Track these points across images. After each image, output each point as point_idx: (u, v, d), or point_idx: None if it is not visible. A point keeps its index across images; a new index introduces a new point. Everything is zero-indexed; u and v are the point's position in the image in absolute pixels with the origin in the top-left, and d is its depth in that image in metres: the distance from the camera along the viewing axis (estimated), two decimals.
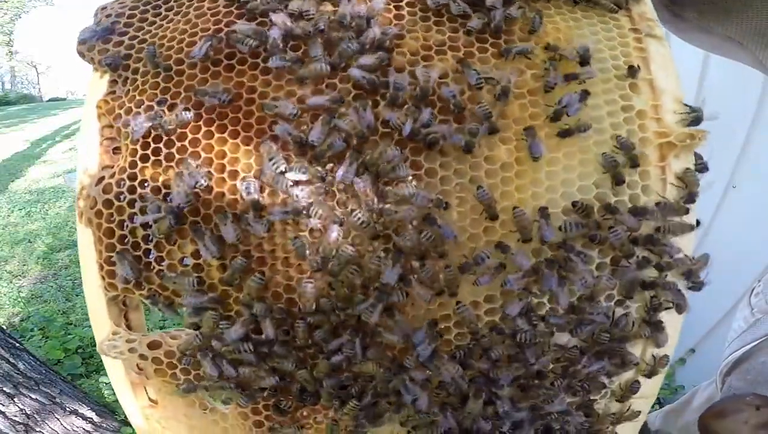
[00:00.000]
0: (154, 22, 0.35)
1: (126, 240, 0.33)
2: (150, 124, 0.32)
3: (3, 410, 1.02)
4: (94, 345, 1.72)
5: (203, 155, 0.32)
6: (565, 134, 0.31)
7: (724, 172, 1.36)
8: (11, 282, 2.64)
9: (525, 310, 0.32)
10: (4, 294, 2.46)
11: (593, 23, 0.34)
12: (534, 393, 0.34)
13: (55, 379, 1.21)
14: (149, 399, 0.39)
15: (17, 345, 1.17)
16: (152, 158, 0.33)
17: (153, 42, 0.33)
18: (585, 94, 0.31)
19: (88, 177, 0.33)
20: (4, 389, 1.04)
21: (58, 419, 1.13)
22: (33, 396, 1.09)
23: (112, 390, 1.52)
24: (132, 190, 0.32)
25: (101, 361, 1.70)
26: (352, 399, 0.33)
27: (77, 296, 2.40)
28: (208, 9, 0.35)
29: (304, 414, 0.37)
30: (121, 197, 0.32)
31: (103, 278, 0.34)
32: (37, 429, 1.07)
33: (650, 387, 0.37)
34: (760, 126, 1.29)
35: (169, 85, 0.33)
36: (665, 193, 0.34)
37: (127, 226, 0.33)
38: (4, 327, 1.87)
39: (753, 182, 1.35)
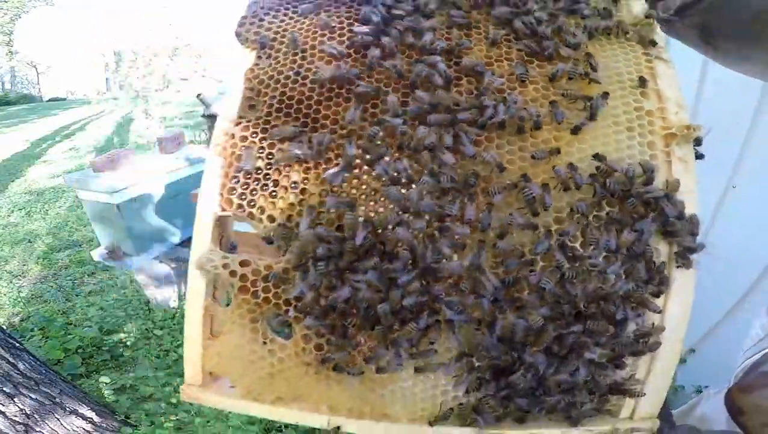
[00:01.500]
0: (293, 17, 0.48)
1: (249, 172, 0.42)
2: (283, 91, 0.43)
3: (3, 410, 1.02)
4: (94, 345, 1.72)
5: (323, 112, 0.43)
6: (591, 117, 0.42)
7: (724, 172, 1.36)
8: (11, 282, 2.64)
9: (561, 246, 0.39)
10: (4, 294, 2.46)
11: (614, 48, 0.46)
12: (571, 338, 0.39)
13: (55, 379, 1.21)
14: (211, 331, 0.44)
15: (17, 345, 1.17)
16: (283, 116, 0.43)
17: (293, 31, 0.46)
18: (606, 95, 0.42)
19: (228, 121, 0.43)
20: (4, 389, 1.04)
21: (58, 419, 1.13)
22: (33, 396, 1.09)
23: (113, 389, 1.52)
24: (264, 130, 0.42)
25: (101, 361, 1.71)
26: (411, 322, 0.38)
27: (77, 296, 2.40)
28: (335, 13, 0.47)
29: (360, 340, 0.41)
30: (253, 135, 0.42)
31: (221, 195, 0.41)
32: (37, 429, 1.07)
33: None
34: (760, 126, 1.29)
35: (303, 63, 0.45)
36: (670, 171, 0.43)
37: (254, 157, 0.42)
38: (4, 327, 1.88)
39: (753, 182, 1.35)
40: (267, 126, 0.43)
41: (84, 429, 1.18)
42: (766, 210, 1.29)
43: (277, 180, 0.41)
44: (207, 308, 0.42)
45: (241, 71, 0.45)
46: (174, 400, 1.45)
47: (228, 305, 0.43)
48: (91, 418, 1.22)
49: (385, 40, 0.44)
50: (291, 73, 0.44)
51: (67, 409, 1.17)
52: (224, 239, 0.47)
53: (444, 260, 0.38)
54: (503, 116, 0.41)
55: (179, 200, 2.02)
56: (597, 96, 0.42)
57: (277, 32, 0.46)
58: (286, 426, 1.43)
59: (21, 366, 1.11)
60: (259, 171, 0.42)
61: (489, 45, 0.45)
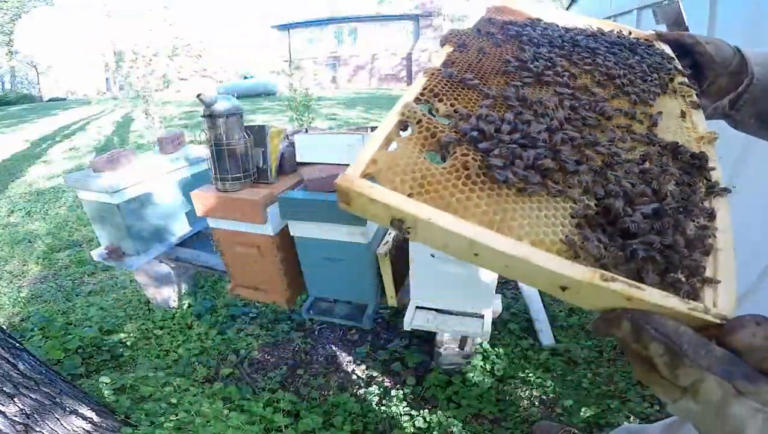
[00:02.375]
0: (483, 40, 0.66)
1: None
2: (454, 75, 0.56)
3: (3, 410, 1.02)
4: (94, 345, 1.73)
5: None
6: (653, 125, 0.57)
7: (724, 172, 1.36)
8: (11, 282, 2.64)
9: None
10: (4, 294, 2.46)
11: (665, 98, 0.64)
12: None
13: (55, 379, 1.21)
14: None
15: (17, 345, 1.16)
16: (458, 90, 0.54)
17: (481, 47, 0.64)
18: (660, 113, 0.59)
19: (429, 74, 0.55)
20: (4, 389, 1.04)
21: (58, 419, 1.13)
22: (33, 396, 1.09)
23: (112, 389, 1.52)
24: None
25: (101, 361, 1.71)
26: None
27: (77, 296, 2.40)
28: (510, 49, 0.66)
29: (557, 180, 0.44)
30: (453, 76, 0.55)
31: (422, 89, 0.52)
32: (37, 429, 1.07)
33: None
34: None
35: (482, 57, 0.62)
36: None
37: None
38: (4, 327, 1.87)
39: (753, 182, 1.35)
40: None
41: (84, 429, 1.18)
42: (767, 210, 1.29)
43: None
44: (389, 136, 0.45)
45: (441, 57, 0.61)
46: (174, 400, 1.45)
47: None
48: (91, 418, 1.22)
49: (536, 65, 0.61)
50: (474, 59, 0.60)
51: (67, 409, 1.17)
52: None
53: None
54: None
55: (179, 200, 2.02)
56: (656, 113, 0.58)
57: (472, 44, 0.64)
58: (286, 426, 1.43)
59: (21, 366, 1.11)
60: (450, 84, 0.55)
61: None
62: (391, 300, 1.54)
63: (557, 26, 0.75)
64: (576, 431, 1.37)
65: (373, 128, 1.77)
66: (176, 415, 1.35)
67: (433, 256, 1.30)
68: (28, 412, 1.06)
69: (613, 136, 0.50)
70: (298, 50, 25.23)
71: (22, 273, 2.76)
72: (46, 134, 8.62)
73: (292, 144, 1.64)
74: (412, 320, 1.41)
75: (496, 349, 1.78)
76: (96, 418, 1.23)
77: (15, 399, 1.04)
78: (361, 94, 17.20)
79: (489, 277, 1.31)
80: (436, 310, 1.45)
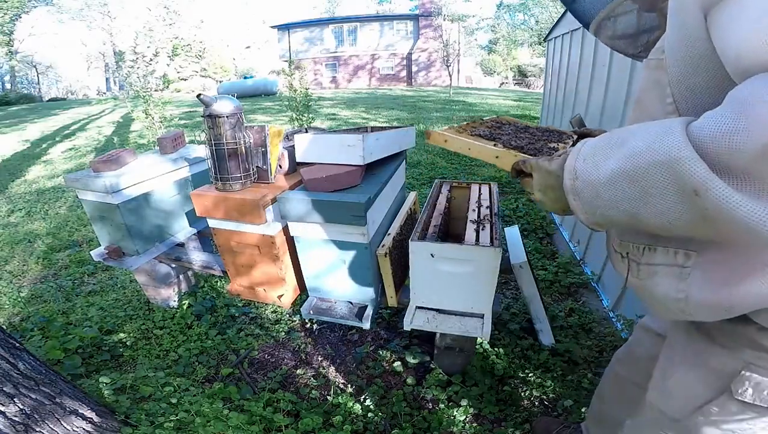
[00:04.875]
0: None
1: None
2: None
3: (3, 410, 1.02)
4: (94, 345, 1.72)
5: None
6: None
7: None
8: (11, 282, 2.64)
9: None
10: (4, 294, 2.46)
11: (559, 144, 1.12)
12: None
13: (55, 379, 1.21)
14: None
15: (17, 345, 1.16)
16: None
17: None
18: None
19: None
20: (4, 389, 1.04)
21: (58, 419, 1.13)
22: (33, 396, 1.09)
23: (112, 389, 1.51)
24: None
25: (101, 361, 1.70)
26: None
27: (77, 296, 2.40)
28: None
29: None
30: None
31: None
32: (37, 429, 1.07)
33: None
34: None
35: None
36: None
37: None
38: (4, 327, 1.87)
39: None
40: None
41: (84, 429, 1.18)
42: None
43: None
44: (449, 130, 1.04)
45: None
46: (174, 400, 1.45)
47: None
48: (91, 418, 1.22)
49: None
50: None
51: (67, 409, 1.17)
52: None
53: None
54: None
55: (179, 200, 2.02)
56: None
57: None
58: (286, 426, 1.43)
59: (21, 366, 1.11)
60: None
61: None
62: (391, 300, 1.54)
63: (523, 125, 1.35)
64: (574, 425, 1.37)
65: (373, 128, 1.77)
66: (176, 415, 1.35)
67: (432, 256, 1.30)
68: (28, 412, 1.06)
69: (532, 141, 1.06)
70: (298, 50, 25.21)
71: (22, 273, 2.76)
72: (46, 134, 8.62)
73: (292, 144, 1.64)
74: (412, 320, 1.41)
75: (496, 349, 1.78)
76: (96, 418, 1.23)
77: (15, 399, 1.04)
78: (361, 94, 17.19)
79: (488, 277, 1.31)
80: (436, 310, 1.45)
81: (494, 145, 0.92)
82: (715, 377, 0.66)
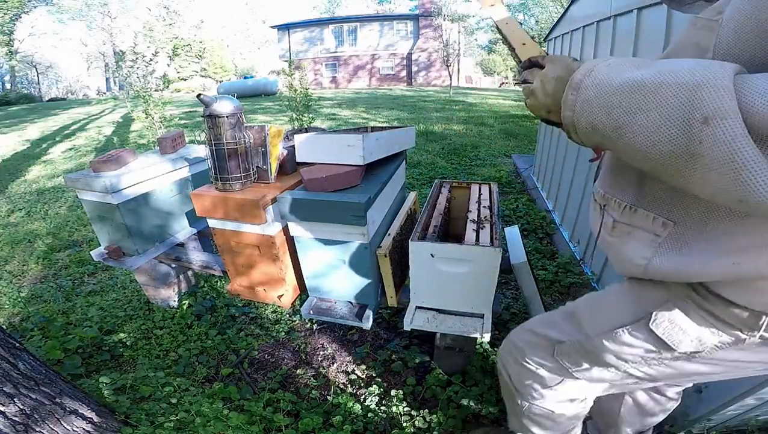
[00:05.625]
0: None
1: None
2: None
3: (3, 410, 1.02)
4: (95, 345, 1.72)
5: None
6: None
7: None
8: (11, 282, 2.64)
9: None
10: (4, 294, 2.46)
11: None
12: None
13: (55, 379, 1.21)
14: None
15: (17, 345, 1.16)
16: None
17: None
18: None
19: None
20: (4, 389, 1.04)
21: (58, 419, 1.13)
22: (33, 396, 1.09)
23: (112, 389, 1.51)
24: None
25: (101, 361, 1.70)
26: None
27: (77, 296, 2.40)
28: None
29: None
30: None
31: None
32: (37, 429, 1.07)
33: None
34: None
35: None
36: None
37: None
38: (4, 327, 1.87)
39: None
40: None
41: (84, 429, 1.18)
42: None
43: None
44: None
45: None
46: (174, 400, 1.45)
47: None
48: (91, 418, 1.22)
49: None
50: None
51: (67, 409, 1.17)
52: None
53: None
54: None
55: (179, 200, 2.02)
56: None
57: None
58: (286, 426, 1.43)
59: (21, 366, 1.11)
60: None
61: None
62: (391, 300, 1.54)
63: None
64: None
65: (373, 128, 1.77)
66: (176, 415, 1.35)
67: (432, 256, 1.30)
68: (28, 412, 1.06)
69: None
70: (298, 50, 25.21)
71: (22, 273, 2.76)
72: (46, 134, 8.62)
73: (292, 144, 1.64)
74: (412, 320, 1.41)
75: (496, 349, 1.78)
76: (96, 418, 1.23)
77: (15, 399, 1.04)
78: (361, 94, 17.18)
79: (488, 277, 1.30)
80: (436, 310, 1.45)
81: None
82: (638, 304, 0.70)
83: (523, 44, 0.82)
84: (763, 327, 0.58)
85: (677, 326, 0.65)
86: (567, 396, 0.93)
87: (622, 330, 0.71)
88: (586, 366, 0.82)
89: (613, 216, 0.69)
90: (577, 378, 0.87)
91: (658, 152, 0.45)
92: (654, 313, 0.67)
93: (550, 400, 0.94)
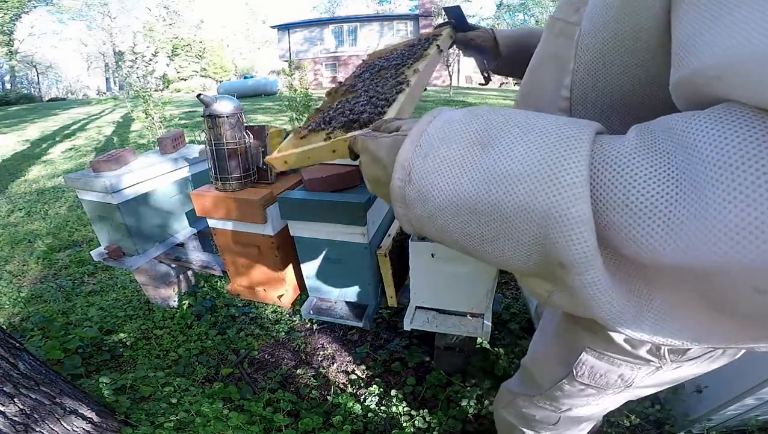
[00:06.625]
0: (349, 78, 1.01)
1: None
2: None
3: (3, 410, 1.02)
4: (95, 345, 1.73)
5: None
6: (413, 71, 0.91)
7: None
8: (11, 282, 2.64)
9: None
10: (4, 294, 2.46)
11: (432, 48, 1.06)
12: None
13: (55, 379, 1.21)
14: None
15: (17, 345, 1.16)
16: None
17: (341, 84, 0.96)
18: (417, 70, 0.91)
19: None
20: (4, 389, 1.04)
21: (58, 419, 1.13)
22: (33, 396, 1.09)
23: (112, 389, 1.51)
24: None
25: (101, 361, 1.71)
26: None
27: (77, 296, 2.40)
28: None
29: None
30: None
31: None
32: (37, 429, 1.07)
33: None
34: None
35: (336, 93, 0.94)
36: None
37: None
38: (4, 327, 1.87)
39: None
40: None
41: (84, 429, 1.18)
42: None
43: None
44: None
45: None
46: (174, 400, 1.45)
47: None
48: (91, 418, 1.22)
49: None
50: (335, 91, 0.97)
51: (67, 409, 1.17)
52: None
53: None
54: None
55: (179, 200, 2.02)
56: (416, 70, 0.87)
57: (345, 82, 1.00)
58: (286, 426, 1.43)
59: (21, 366, 1.11)
60: None
61: None
62: (391, 300, 1.54)
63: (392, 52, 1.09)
64: None
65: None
66: (176, 415, 1.35)
67: (432, 256, 1.30)
68: (28, 412, 1.06)
69: (376, 85, 0.80)
70: (298, 50, 25.21)
71: (22, 273, 2.76)
72: (46, 134, 8.62)
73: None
74: (412, 320, 1.41)
75: (496, 349, 1.78)
76: (96, 418, 1.23)
77: (15, 399, 1.04)
78: None
79: (489, 277, 1.30)
80: (436, 310, 1.44)
81: (326, 135, 0.65)
82: (564, 358, 0.72)
83: (333, 151, 0.62)
84: (668, 355, 0.57)
85: (596, 374, 0.66)
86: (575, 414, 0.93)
87: (562, 383, 0.74)
88: (567, 405, 0.83)
89: None
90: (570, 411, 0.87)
91: (521, 271, 0.36)
92: (573, 368, 0.69)
93: (562, 424, 0.94)
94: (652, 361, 0.59)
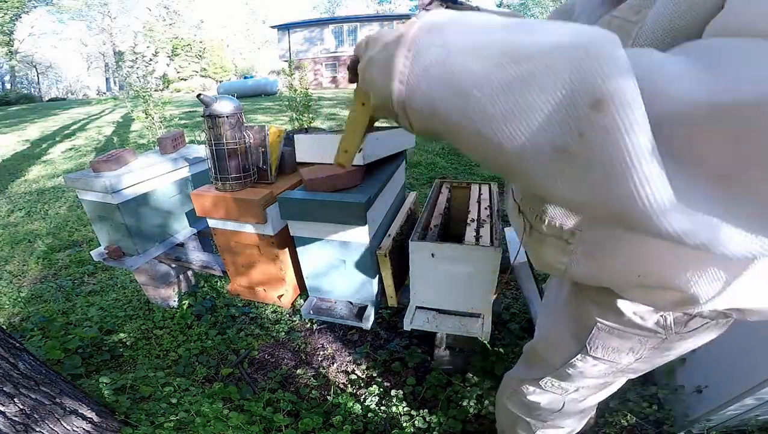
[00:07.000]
0: None
1: None
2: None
3: (3, 410, 1.02)
4: (95, 345, 1.72)
5: None
6: None
7: None
8: (11, 282, 2.64)
9: None
10: (4, 294, 2.46)
11: None
12: None
13: (55, 379, 1.21)
14: None
15: (17, 345, 1.16)
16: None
17: None
18: None
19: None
20: (4, 389, 1.04)
21: (58, 419, 1.13)
22: (33, 396, 1.09)
23: (112, 389, 1.51)
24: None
25: (101, 361, 1.70)
26: None
27: (77, 296, 2.40)
28: None
29: None
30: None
31: None
32: (37, 429, 1.07)
33: None
34: None
35: None
36: None
37: None
38: (4, 327, 1.87)
39: None
40: None
41: (84, 429, 1.18)
42: None
43: None
44: None
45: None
46: (174, 400, 1.45)
47: None
48: (91, 418, 1.22)
49: None
50: None
51: (67, 409, 1.17)
52: None
53: None
54: None
55: (179, 200, 2.02)
56: None
57: None
58: (286, 426, 1.43)
59: (21, 366, 1.11)
60: None
61: None
62: (391, 300, 1.54)
63: None
64: None
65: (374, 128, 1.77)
66: (176, 415, 1.35)
67: (432, 256, 1.30)
68: (28, 412, 1.06)
69: None
70: (298, 50, 25.22)
71: (22, 273, 2.76)
72: (46, 134, 8.62)
73: (292, 144, 1.64)
74: (412, 320, 1.41)
75: (496, 349, 1.78)
76: (96, 418, 1.23)
77: (15, 399, 1.04)
78: None
79: (488, 277, 1.31)
80: (436, 310, 1.45)
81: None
82: (577, 336, 0.73)
83: (363, 104, 0.52)
84: (673, 327, 0.61)
85: (609, 347, 0.69)
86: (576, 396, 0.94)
87: (575, 360, 0.76)
88: (575, 385, 0.84)
89: (529, 221, 0.67)
90: (575, 393, 0.89)
91: (513, 147, 0.31)
92: (587, 343, 0.71)
93: (565, 412, 0.95)
94: (659, 333, 0.62)
